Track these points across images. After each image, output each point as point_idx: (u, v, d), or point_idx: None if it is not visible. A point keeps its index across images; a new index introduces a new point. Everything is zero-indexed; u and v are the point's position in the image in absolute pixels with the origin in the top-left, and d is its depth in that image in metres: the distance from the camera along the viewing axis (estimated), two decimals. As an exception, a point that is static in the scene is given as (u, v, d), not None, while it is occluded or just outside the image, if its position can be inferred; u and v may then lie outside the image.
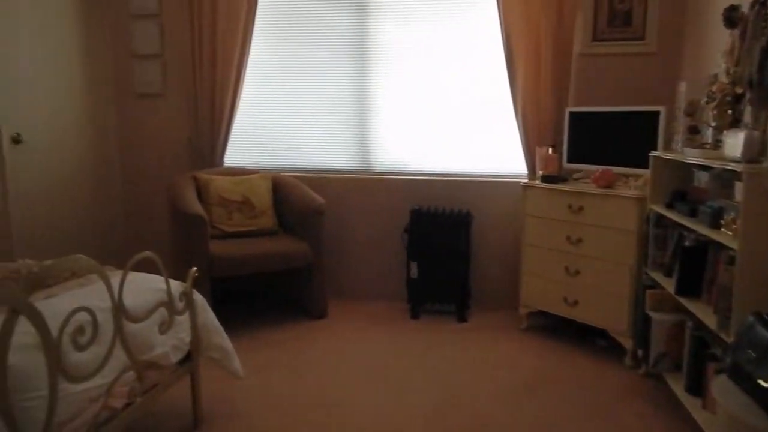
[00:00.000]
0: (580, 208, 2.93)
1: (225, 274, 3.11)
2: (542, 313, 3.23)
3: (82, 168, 3.75)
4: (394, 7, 3.60)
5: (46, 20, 3.42)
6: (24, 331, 1.40)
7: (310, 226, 3.36)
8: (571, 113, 3.20)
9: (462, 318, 3.45)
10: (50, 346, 1.45)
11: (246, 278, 3.40)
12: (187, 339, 2.14)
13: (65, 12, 3.57)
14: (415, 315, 3.51)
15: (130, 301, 1.82)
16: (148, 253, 1.90)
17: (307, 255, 3.31)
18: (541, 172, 3.21)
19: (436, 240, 3.45)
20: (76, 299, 1.74)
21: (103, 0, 3.87)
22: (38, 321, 1.42)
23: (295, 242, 3.33)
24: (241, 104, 3.76)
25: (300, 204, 3.42)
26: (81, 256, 1.66)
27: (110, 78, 3.97)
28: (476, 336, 3.21)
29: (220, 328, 2.32)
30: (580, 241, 2.95)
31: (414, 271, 3.50)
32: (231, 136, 3.79)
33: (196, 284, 2.20)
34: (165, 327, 1.98)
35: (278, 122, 3.86)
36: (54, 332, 1.47)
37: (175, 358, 2.07)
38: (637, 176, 2.89)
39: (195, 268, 2.21)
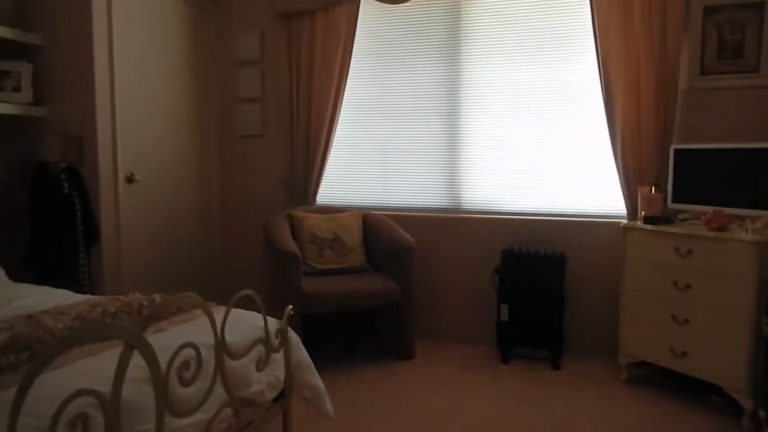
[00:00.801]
0: (689, 252, 2.73)
1: (316, 312, 3.15)
2: (645, 364, 3.01)
3: (186, 205, 3.98)
4: (485, 46, 3.60)
5: (161, 69, 3.71)
6: (136, 365, 1.46)
7: (399, 265, 3.35)
8: (677, 150, 3.03)
9: (556, 365, 3.28)
10: (159, 380, 1.51)
11: (334, 316, 3.43)
12: (282, 377, 2.16)
13: (179, 61, 3.86)
14: (505, 360, 3.38)
15: (230, 337, 1.87)
16: (249, 292, 1.95)
17: (396, 294, 3.29)
18: (643, 212, 3.03)
19: (529, 282, 3.33)
20: (182, 334, 1.81)
21: (212, 49, 4.15)
22: (150, 356, 1.48)
23: (384, 281, 3.33)
24: (334, 143, 3.87)
25: (389, 242, 3.43)
26: (191, 294, 1.73)
27: (214, 120, 4.22)
28: (571, 386, 3.03)
29: (312, 366, 2.33)
30: (689, 287, 2.74)
31: (505, 313, 3.39)
32: (324, 174, 3.89)
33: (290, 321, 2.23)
34: (262, 364, 2.01)
35: (369, 160, 3.93)
36: (163, 367, 1.53)
37: (270, 395, 2.09)
38: (755, 218, 2.66)
39: (291, 306, 2.25)
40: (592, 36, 3.27)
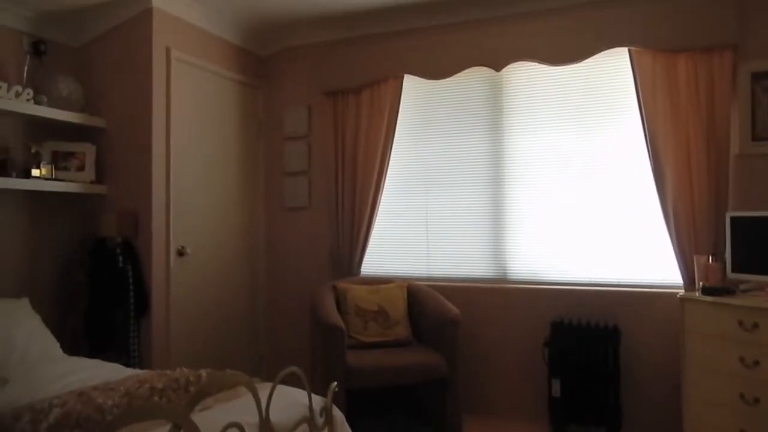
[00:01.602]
0: (755, 326, 2.57)
1: (361, 386, 3.08)
2: (715, 448, 2.78)
3: (234, 278, 4.05)
4: (527, 115, 3.64)
5: (213, 145, 3.89)
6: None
7: (445, 338, 3.27)
8: (733, 218, 2.92)
9: (615, 446, 3.08)
10: (204, 462, 1.49)
11: (379, 390, 3.35)
12: (326, 457, 2.10)
13: (230, 137, 4.03)
14: (560, 439, 3.20)
15: (275, 416, 1.84)
16: (294, 369, 1.94)
17: (442, 368, 3.20)
18: (701, 283, 2.90)
19: (581, 355, 3.19)
20: (227, 413, 1.80)
21: (261, 124, 4.34)
22: (196, 437, 1.47)
23: (430, 354, 3.25)
24: (378, 214, 3.91)
25: (435, 314, 3.37)
26: (236, 372, 1.73)
27: (262, 194, 4.35)
28: (635, 470, 2.83)
29: (358, 446, 2.26)
30: (757, 363, 2.56)
31: (556, 389, 3.24)
32: (369, 245, 3.92)
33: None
34: (306, 444, 1.97)
35: (414, 231, 3.94)
36: (208, 448, 1.52)
37: (314, 476, 2.03)
38: (825, 290, 2.51)
39: (335, 383, 2.21)
40: (636, 101, 3.27)
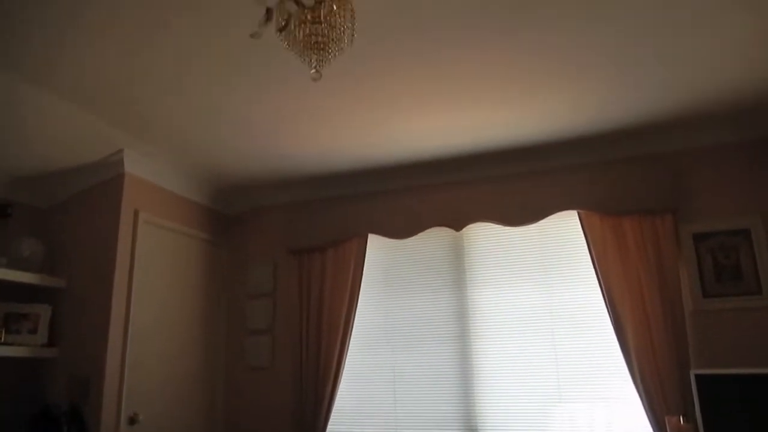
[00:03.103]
0: (735, 495, 2.46)
1: None
2: None
3: (188, 444, 3.77)
4: (489, 272, 3.72)
5: (175, 304, 3.82)
6: None
7: None
8: (698, 376, 2.92)
9: None
10: None
11: None
12: None
13: (192, 295, 3.98)
14: None
15: None
16: None
17: None
18: (675, 445, 2.82)
19: None
20: None
21: (225, 281, 4.32)
22: None
23: None
24: (344, 372, 3.79)
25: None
26: None
27: (223, 352, 4.21)
28: None
29: None
30: None
31: None
32: (334, 405, 3.74)
33: None
34: None
35: (380, 390, 3.80)
36: None
37: None
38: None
39: None
40: (590, 259, 3.40)
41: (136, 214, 3.51)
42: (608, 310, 3.29)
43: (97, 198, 3.54)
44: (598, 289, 3.37)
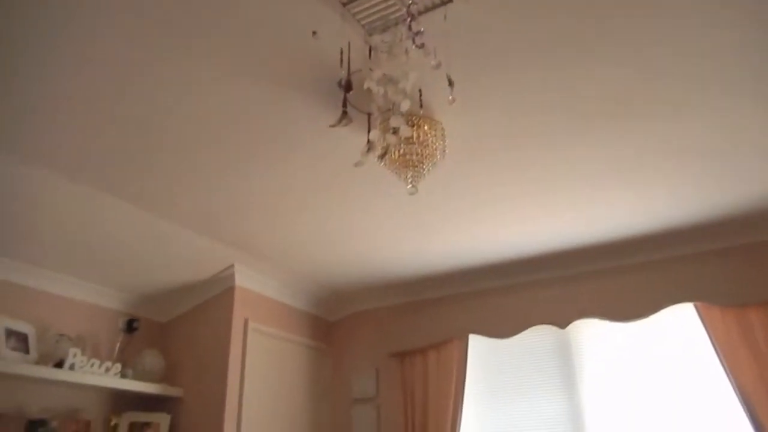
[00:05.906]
0: None
1: None
2: None
3: None
4: (602, 370, 3.51)
5: (282, 410, 3.87)
6: None
7: None
8: None
9: None
10: None
11: None
12: None
13: (299, 402, 4.02)
14: None
15: None
16: None
17: None
18: None
19: None
20: None
21: (329, 387, 4.35)
22: None
23: None
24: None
25: None
26: None
27: (330, 459, 4.16)
28: None
29: None
30: None
31: None
32: None
33: None
34: None
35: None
36: None
37: None
38: None
39: None
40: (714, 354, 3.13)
41: (245, 323, 3.70)
42: (744, 408, 2.99)
43: (210, 310, 3.79)
44: (727, 384, 3.07)
